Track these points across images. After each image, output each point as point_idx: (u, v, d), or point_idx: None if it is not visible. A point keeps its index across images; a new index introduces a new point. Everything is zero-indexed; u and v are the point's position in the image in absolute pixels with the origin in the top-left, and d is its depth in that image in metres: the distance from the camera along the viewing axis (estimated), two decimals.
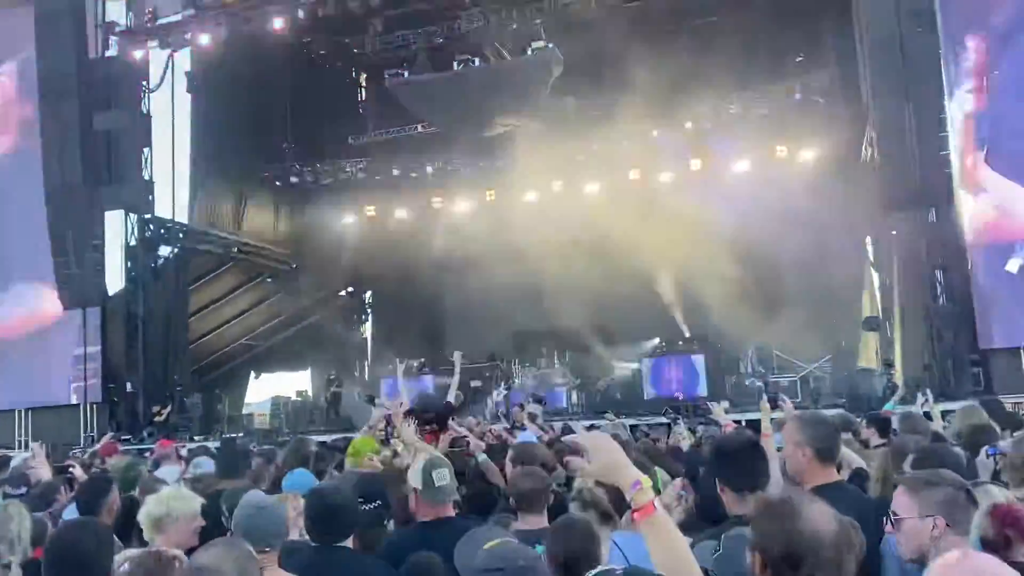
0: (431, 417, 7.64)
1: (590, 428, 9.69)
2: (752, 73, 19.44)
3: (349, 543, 3.29)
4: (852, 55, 16.24)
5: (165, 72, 19.06)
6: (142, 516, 3.49)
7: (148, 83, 18.95)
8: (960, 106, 13.29)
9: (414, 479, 3.67)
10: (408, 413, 7.12)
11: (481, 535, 2.50)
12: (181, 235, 19.38)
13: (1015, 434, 4.19)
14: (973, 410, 6.15)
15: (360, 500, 3.53)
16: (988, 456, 4.08)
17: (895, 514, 2.69)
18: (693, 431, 6.95)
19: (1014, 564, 2.45)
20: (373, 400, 9.64)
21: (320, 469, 5.39)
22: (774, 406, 5.43)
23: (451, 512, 3.67)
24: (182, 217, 19.60)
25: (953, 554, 1.85)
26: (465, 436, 6.61)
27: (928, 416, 6.93)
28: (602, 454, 2.04)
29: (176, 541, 3.27)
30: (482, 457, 5.56)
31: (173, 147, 19.38)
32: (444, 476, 3.62)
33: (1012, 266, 12.98)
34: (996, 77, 12.97)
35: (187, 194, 19.78)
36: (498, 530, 3.12)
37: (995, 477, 3.82)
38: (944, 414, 7.62)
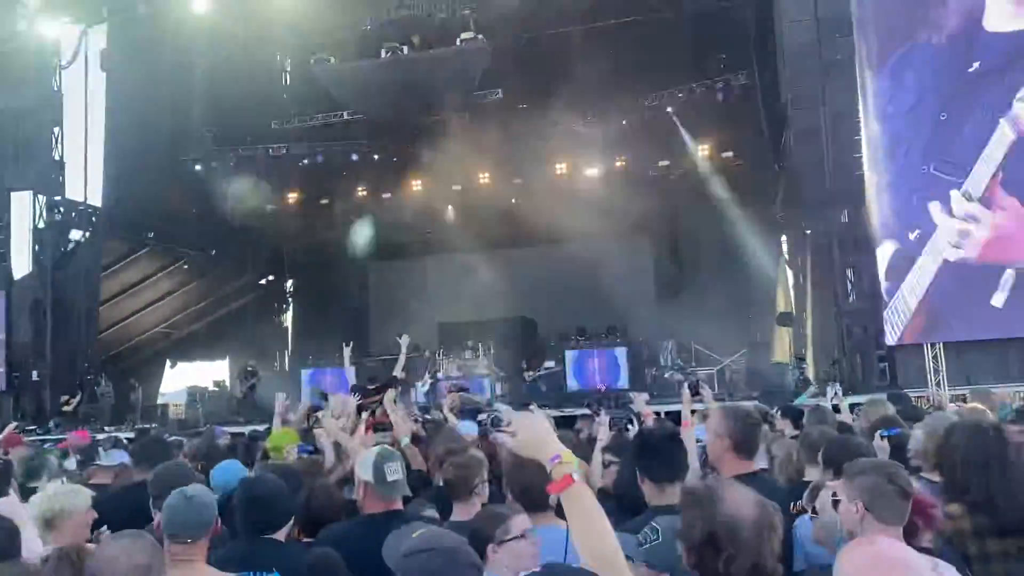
0: (376, 387, 7.62)
1: None
2: (676, 72, 19.80)
3: (281, 536, 3.25)
4: (773, 58, 16.68)
5: (78, 49, 18.29)
6: (33, 516, 3.35)
7: (60, 59, 18.17)
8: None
9: (364, 471, 3.62)
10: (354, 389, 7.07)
11: (412, 528, 2.51)
12: (93, 219, 18.67)
13: (925, 420, 4.39)
14: (880, 402, 6.47)
15: None
16: (882, 438, 4.29)
17: (834, 495, 2.85)
18: (617, 421, 7.04)
19: (920, 550, 2.60)
20: (326, 396, 9.50)
21: (249, 460, 5.30)
22: (695, 394, 5.59)
23: (400, 506, 3.62)
24: (95, 200, 18.86)
25: (860, 539, 1.96)
26: (388, 419, 6.59)
27: (836, 409, 7.21)
28: (526, 429, 2.06)
29: (71, 537, 3.17)
30: (405, 441, 5.59)
31: (86, 127, 18.65)
32: (396, 471, 3.57)
33: (997, 300, 12.78)
34: None
35: (100, 176, 19.05)
36: (425, 524, 3.13)
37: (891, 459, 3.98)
38: (853, 407, 7.95)
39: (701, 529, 1.96)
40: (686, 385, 5.81)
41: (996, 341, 13.25)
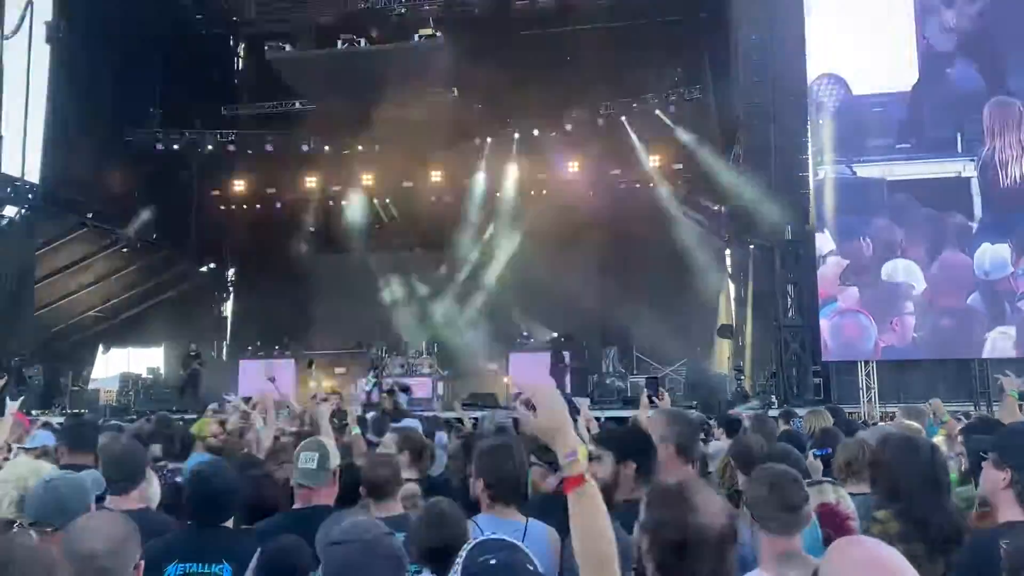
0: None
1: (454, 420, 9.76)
2: (632, 82, 20.01)
3: (228, 524, 3.20)
4: (727, 75, 16.99)
5: (23, 19, 17.71)
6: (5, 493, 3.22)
7: (2, 29, 17.55)
8: None
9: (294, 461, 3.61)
10: None
11: (341, 518, 2.49)
12: (30, 195, 18.08)
13: (858, 436, 4.54)
14: (820, 413, 6.65)
15: None
16: (815, 458, 4.43)
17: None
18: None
19: None
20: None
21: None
22: (652, 402, 5.65)
23: (325, 500, 3.57)
24: (32, 176, 18.27)
25: (846, 539, 1.98)
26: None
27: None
28: (550, 413, 1.94)
29: None
30: (355, 431, 5.61)
31: (27, 101, 18.04)
32: (312, 460, 3.51)
33: None
34: None
35: (40, 152, 18.46)
36: (362, 513, 3.10)
37: (826, 475, 4.12)
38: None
39: (672, 532, 1.92)
40: (645, 392, 5.89)
41: (927, 361, 13.72)
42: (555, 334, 19.31)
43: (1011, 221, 13.52)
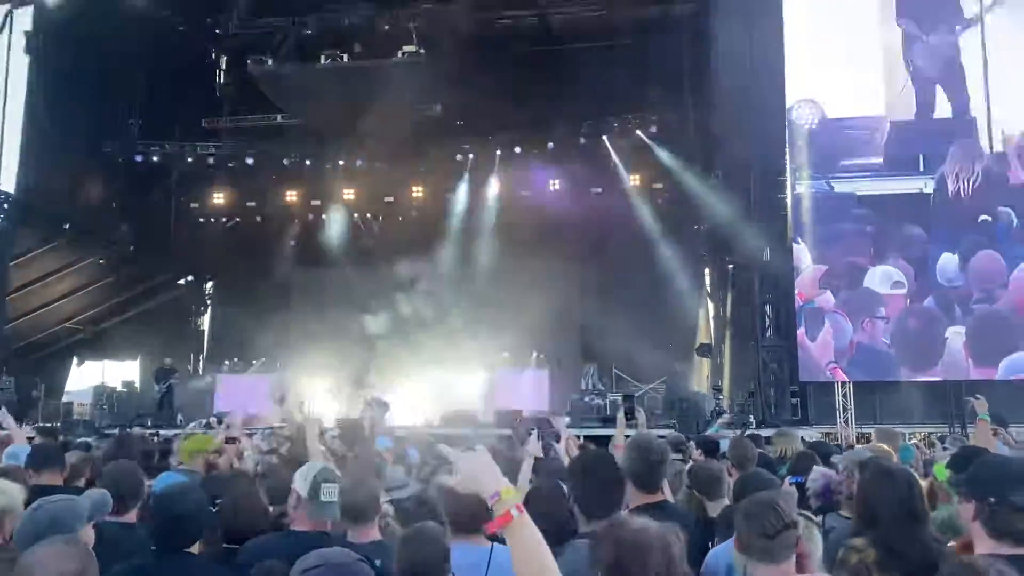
0: None
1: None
2: (613, 101, 20.13)
3: (194, 549, 3.15)
4: (707, 95, 17.13)
5: (1, 29, 17.58)
6: None
7: None
8: None
9: (300, 484, 3.52)
10: None
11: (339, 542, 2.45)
12: (5, 206, 17.88)
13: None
14: (789, 435, 6.65)
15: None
16: (791, 484, 4.42)
17: None
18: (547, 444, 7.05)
19: None
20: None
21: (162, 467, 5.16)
22: (629, 418, 5.63)
23: (327, 527, 3.53)
24: (8, 186, 18.08)
25: None
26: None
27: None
28: (467, 466, 2.06)
29: (10, 531, 3.04)
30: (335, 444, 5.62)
31: (4, 111, 17.87)
32: (332, 493, 3.47)
33: None
34: None
35: (16, 162, 18.28)
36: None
37: (800, 503, 4.11)
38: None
39: (610, 554, 2.01)
40: (621, 409, 5.86)
41: (903, 383, 13.85)
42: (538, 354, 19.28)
43: (960, 233, 14.52)
